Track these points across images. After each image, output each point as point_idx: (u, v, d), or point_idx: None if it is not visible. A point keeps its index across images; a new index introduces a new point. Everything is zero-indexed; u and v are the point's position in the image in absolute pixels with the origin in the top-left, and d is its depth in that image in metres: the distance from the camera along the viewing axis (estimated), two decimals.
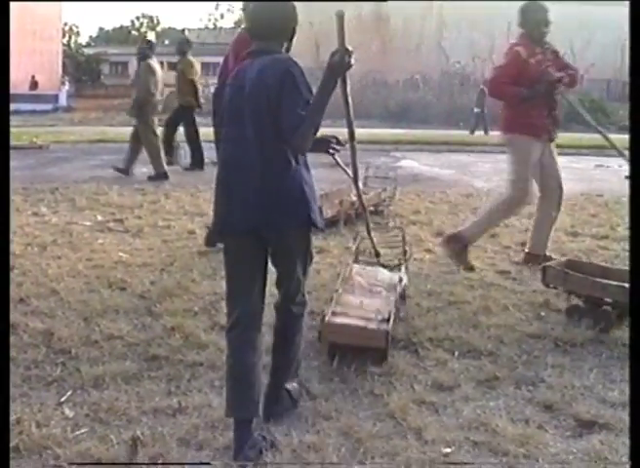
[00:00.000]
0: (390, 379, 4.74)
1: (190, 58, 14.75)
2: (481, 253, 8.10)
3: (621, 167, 16.28)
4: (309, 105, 3.78)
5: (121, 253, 7.77)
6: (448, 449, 3.89)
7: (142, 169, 14.88)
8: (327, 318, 5.21)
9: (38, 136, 20.41)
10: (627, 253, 7.84)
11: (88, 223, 9.36)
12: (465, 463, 3.78)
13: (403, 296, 6.12)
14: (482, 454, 3.86)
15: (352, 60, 3.76)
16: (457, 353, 5.21)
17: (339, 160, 4.69)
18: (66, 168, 15.33)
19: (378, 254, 5.78)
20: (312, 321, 5.77)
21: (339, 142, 4.41)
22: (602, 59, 39.77)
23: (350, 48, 3.73)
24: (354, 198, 9.01)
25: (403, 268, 6.43)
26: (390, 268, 6.36)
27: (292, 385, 4.37)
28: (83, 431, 4.03)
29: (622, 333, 5.52)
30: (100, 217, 9.74)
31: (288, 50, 4.14)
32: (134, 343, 5.27)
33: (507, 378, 4.80)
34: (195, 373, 4.79)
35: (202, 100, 15.05)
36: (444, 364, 5.02)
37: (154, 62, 13.64)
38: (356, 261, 6.61)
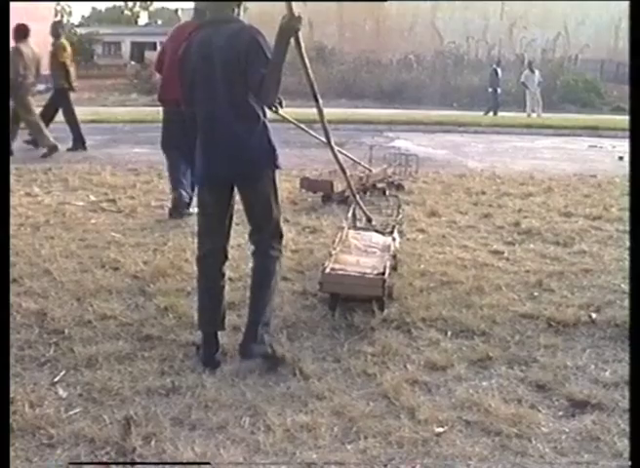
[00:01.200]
0: (383, 359, 4.74)
1: (63, 40, 14.67)
2: (474, 233, 8.11)
3: (615, 148, 16.31)
4: (269, 64, 4.35)
5: (114, 234, 7.76)
6: (440, 429, 3.89)
7: (135, 149, 14.86)
8: (327, 270, 5.64)
9: None
10: (620, 235, 7.88)
11: (81, 203, 9.34)
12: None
13: (394, 256, 6.43)
14: (474, 434, 3.87)
15: (299, 25, 4.34)
16: (449, 333, 5.21)
17: (287, 116, 5.63)
18: (59, 148, 15.27)
19: (369, 220, 6.90)
20: (305, 300, 5.79)
21: (280, 103, 4.91)
22: (596, 40, 39.72)
23: (298, 13, 4.31)
24: (361, 174, 9.40)
25: (396, 232, 6.86)
26: (383, 233, 6.86)
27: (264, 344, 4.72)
28: (76, 411, 4.04)
29: (614, 313, 5.54)
30: (93, 198, 9.72)
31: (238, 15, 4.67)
32: (127, 323, 5.27)
33: (500, 358, 4.81)
34: (188, 353, 4.79)
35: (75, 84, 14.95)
36: (437, 343, 5.03)
37: (25, 46, 13.54)
38: (352, 228, 7.03)
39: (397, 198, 8.09)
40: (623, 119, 21.49)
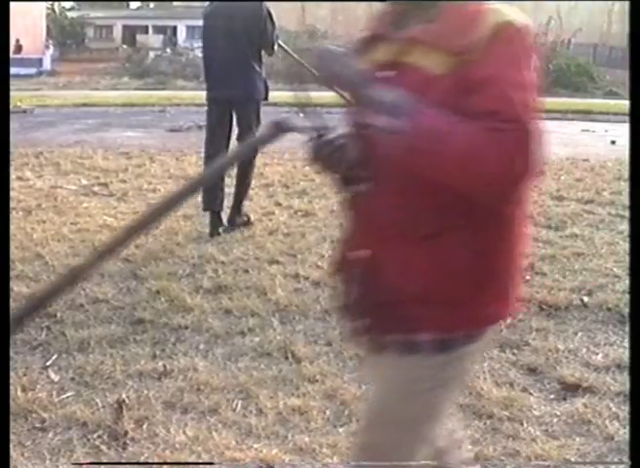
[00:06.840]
0: None
1: None
2: None
3: (607, 132, 16.29)
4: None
5: (106, 217, 7.75)
6: None
7: (127, 132, 14.83)
8: None
9: (22, 101, 20.20)
10: (612, 218, 7.89)
11: (73, 187, 9.32)
12: None
13: None
14: (467, 417, 3.88)
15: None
16: None
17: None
18: (51, 132, 15.22)
19: None
20: (297, 283, 5.79)
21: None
22: (589, 24, 39.63)
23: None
24: None
25: None
26: None
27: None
28: (68, 394, 4.05)
29: (606, 297, 5.55)
30: (84, 181, 9.69)
31: None
32: (119, 307, 5.28)
33: (492, 342, 4.80)
34: (180, 337, 4.80)
35: None
36: None
37: None
38: None
39: None
40: (616, 103, 21.53)
